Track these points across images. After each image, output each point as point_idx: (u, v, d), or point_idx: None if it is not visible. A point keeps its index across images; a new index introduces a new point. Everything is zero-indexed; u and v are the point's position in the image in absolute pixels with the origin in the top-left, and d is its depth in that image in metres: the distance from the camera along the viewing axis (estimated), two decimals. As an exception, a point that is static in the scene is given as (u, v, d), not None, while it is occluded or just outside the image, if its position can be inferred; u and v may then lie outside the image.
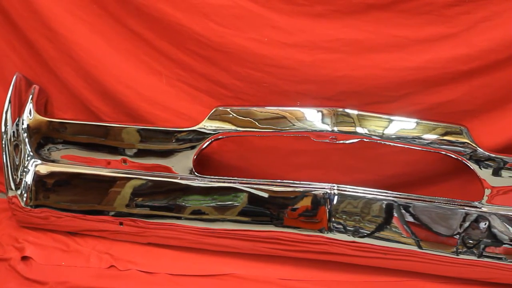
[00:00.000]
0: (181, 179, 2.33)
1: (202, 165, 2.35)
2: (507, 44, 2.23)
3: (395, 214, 2.24)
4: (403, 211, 2.23)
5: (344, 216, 2.25)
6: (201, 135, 2.29)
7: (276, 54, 2.32)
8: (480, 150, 2.17)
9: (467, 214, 2.21)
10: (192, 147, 2.30)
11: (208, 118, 2.28)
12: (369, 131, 2.21)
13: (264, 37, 2.31)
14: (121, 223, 2.37)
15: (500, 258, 2.21)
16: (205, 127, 2.28)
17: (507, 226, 2.20)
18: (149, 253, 2.38)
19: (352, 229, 2.25)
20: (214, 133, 2.28)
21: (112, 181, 2.37)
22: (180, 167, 2.32)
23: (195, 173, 2.32)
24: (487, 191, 2.21)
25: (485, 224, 2.20)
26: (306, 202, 2.28)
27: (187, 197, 2.33)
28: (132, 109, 2.45)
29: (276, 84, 2.35)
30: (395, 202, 2.24)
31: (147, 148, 2.34)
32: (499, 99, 2.30)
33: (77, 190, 2.40)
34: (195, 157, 2.30)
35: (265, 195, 2.30)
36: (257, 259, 2.35)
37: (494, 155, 2.19)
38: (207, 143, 2.29)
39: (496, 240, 2.21)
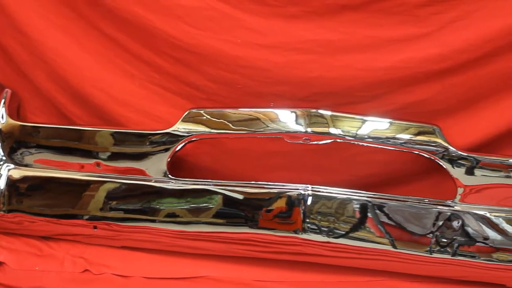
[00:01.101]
0: (155, 182, 2.32)
1: (176, 168, 2.34)
2: (479, 43, 2.24)
3: (369, 214, 2.25)
4: (377, 211, 2.24)
5: (318, 217, 2.25)
6: (174, 138, 2.28)
7: (250, 55, 2.31)
8: (452, 149, 2.18)
9: (440, 213, 2.22)
10: (166, 150, 2.29)
11: (182, 121, 2.27)
12: (342, 131, 2.21)
13: (237, 39, 2.30)
14: (95, 227, 2.35)
15: (473, 257, 2.23)
16: (179, 130, 2.27)
17: (480, 224, 2.21)
18: (123, 256, 2.37)
19: (326, 229, 2.26)
20: (188, 135, 2.27)
21: (85, 184, 2.36)
22: (154, 170, 2.31)
23: (169, 175, 2.31)
24: (460, 190, 2.22)
25: (458, 222, 2.22)
26: (281, 203, 2.27)
27: (162, 200, 2.32)
28: (105, 112, 2.43)
29: (250, 86, 2.34)
30: (369, 202, 2.25)
31: (121, 151, 2.32)
32: (472, 98, 2.32)
33: (51, 194, 2.38)
34: (169, 159, 2.29)
35: (240, 197, 2.30)
36: (232, 261, 2.35)
37: (466, 154, 2.20)
38: (181, 145, 2.28)
39: (469, 239, 2.23)
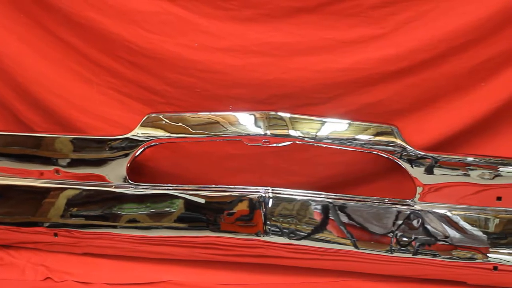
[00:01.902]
0: (115, 187, 2.32)
1: (136, 173, 2.33)
2: (434, 43, 2.26)
3: (331, 215, 2.26)
4: (338, 211, 2.25)
5: (280, 219, 2.25)
6: (134, 143, 2.27)
7: (207, 59, 2.31)
8: (410, 148, 2.19)
9: (399, 212, 2.24)
10: (126, 155, 2.29)
11: (141, 125, 2.27)
12: (302, 133, 2.22)
13: (194, 42, 2.30)
14: (56, 234, 2.35)
15: (434, 255, 2.24)
16: (138, 135, 2.26)
17: (440, 223, 2.22)
18: (85, 263, 2.36)
19: (288, 231, 2.26)
20: (147, 140, 2.26)
21: (45, 192, 2.35)
22: (114, 175, 2.31)
23: (129, 181, 2.31)
24: (419, 189, 2.23)
25: (418, 221, 2.23)
26: (242, 206, 2.28)
27: (122, 206, 2.32)
28: (64, 119, 2.42)
29: (208, 89, 2.34)
30: (330, 203, 2.26)
31: (80, 158, 2.32)
32: (428, 98, 2.34)
33: (10, 203, 2.37)
34: (128, 165, 2.29)
35: (201, 200, 2.30)
36: (194, 265, 2.35)
37: (424, 153, 2.21)
38: (140, 150, 2.28)
39: (429, 237, 2.24)
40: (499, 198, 2.21)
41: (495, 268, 2.22)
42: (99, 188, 2.33)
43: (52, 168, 2.33)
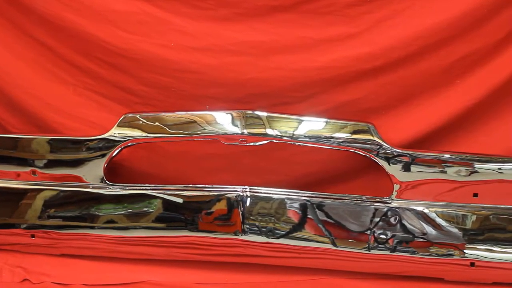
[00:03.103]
0: (92, 188, 2.31)
1: (114, 173, 2.33)
2: (409, 41, 2.27)
3: (308, 214, 2.27)
4: (316, 210, 2.26)
5: (258, 218, 2.26)
6: (110, 143, 2.27)
7: (183, 58, 2.31)
8: (387, 146, 2.20)
9: (377, 210, 2.25)
10: (102, 155, 2.28)
11: (117, 126, 2.26)
12: (279, 132, 2.22)
13: (170, 42, 2.30)
14: (33, 236, 2.34)
15: (411, 252, 2.25)
16: (115, 135, 2.26)
17: (417, 220, 2.23)
18: (63, 264, 2.35)
19: (266, 230, 2.26)
20: (124, 140, 2.26)
21: (22, 193, 2.34)
22: (91, 176, 2.30)
23: (107, 181, 2.30)
24: (396, 187, 2.24)
25: (395, 219, 2.23)
26: (220, 206, 2.28)
27: (100, 206, 2.31)
28: (40, 120, 2.41)
29: (185, 89, 2.35)
30: (308, 201, 2.26)
31: (57, 159, 2.31)
32: (404, 96, 2.35)
33: (-13, 204, 2.34)
34: (105, 165, 2.28)
35: (179, 200, 2.30)
36: (173, 265, 2.35)
37: (401, 151, 2.22)
38: (117, 150, 2.27)
39: (407, 234, 2.25)
40: (475, 195, 2.22)
41: (472, 264, 2.23)
42: (76, 189, 2.32)
43: (28, 169, 2.32)
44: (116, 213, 2.30)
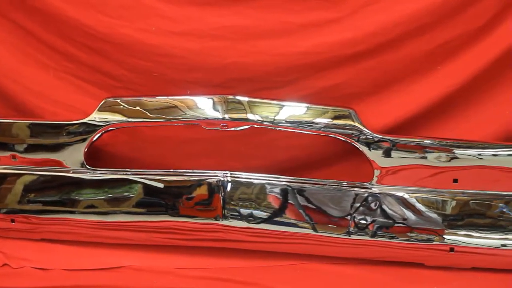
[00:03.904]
0: (73, 172, 2.31)
1: (94, 158, 2.32)
2: (390, 27, 2.27)
3: (289, 199, 2.27)
4: (296, 195, 2.26)
5: (239, 203, 2.26)
6: (91, 128, 2.26)
7: (164, 43, 2.31)
8: (367, 132, 2.20)
9: (357, 195, 2.25)
10: (83, 140, 2.27)
11: (98, 110, 2.25)
12: (260, 117, 2.22)
13: (151, 27, 2.29)
14: (12, 220, 2.33)
15: (392, 237, 2.26)
16: (95, 119, 2.25)
17: (398, 205, 2.24)
18: (43, 249, 2.35)
19: (247, 215, 2.26)
20: (105, 124, 2.25)
21: (2, 178, 2.34)
22: (72, 160, 2.30)
23: (87, 166, 2.29)
24: (377, 172, 2.24)
25: (376, 204, 2.24)
26: (200, 191, 2.28)
27: (80, 191, 2.31)
28: (20, 104, 2.40)
29: (166, 73, 2.34)
30: (289, 186, 2.27)
31: (37, 143, 2.30)
32: (385, 81, 2.35)
33: (-34, 189, 2.33)
34: (86, 150, 2.28)
35: (160, 185, 2.29)
36: (153, 250, 2.35)
37: (381, 136, 2.22)
38: (98, 135, 2.27)
39: (387, 220, 2.26)
40: (455, 180, 2.23)
41: (451, 249, 2.24)
42: (57, 174, 2.31)
43: (8, 153, 2.31)
44: (97, 197, 2.30)
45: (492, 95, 2.34)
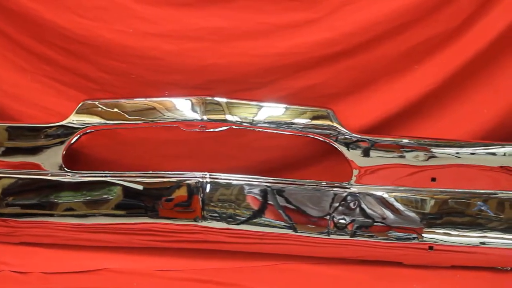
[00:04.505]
0: (51, 175, 2.30)
1: (73, 161, 2.31)
2: (368, 27, 2.28)
3: (269, 199, 2.27)
4: (276, 195, 2.27)
5: (218, 204, 2.26)
6: (69, 130, 2.25)
7: (142, 45, 2.30)
8: (346, 131, 2.21)
9: (336, 195, 2.25)
10: (61, 143, 2.26)
11: (76, 112, 2.24)
12: (239, 118, 2.23)
13: (129, 28, 2.29)
14: (-9, 224, 2.30)
15: (371, 236, 2.26)
16: (73, 122, 2.24)
17: (376, 204, 2.25)
18: (21, 252, 2.33)
19: (226, 216, 2.27)
20: (82, 127, 2.24)
21: (-21, 181, 2.29)
22: (50, 163, 2.28)
23: (65, 169, 2.28)
24: (355, 172, 2.25)
25: (355, 204, 2.25)
26: (180, 192, 2.28)
27: (59, 194, 2.30)
28: (-3, 107, 2.37)
29: (144, 75, 2.33)
30: (268, 187, 2.27)
31: (15, 146, 2.29)
32: (363, 81, 2.36)
33: None
34: (64, 152, 2.27)
35: (139, 187, 2.29)
36: (133, 252, 2.34)
37: (360, 136, 2.23)
38: (76, 137, 2.26)
39: (366, 219, 2.27)
40: (433, 179, 2.24)
41: (430, 248, 2.26)
42: (35, 177, 2.30)
43: (-15, 157, 2.28)
44: (75, 200, 2.29)
45: (469, 94, 2.35)
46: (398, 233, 2.27)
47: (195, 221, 2.26)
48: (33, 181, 2.30)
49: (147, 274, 2.28)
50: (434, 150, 2.22)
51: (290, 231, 2.28)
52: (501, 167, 2.24)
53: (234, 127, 2.23)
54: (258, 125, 2.23)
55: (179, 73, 2.32)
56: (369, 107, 2.35)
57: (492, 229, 2.26)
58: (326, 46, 2.29)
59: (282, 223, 2.28)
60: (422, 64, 2.32)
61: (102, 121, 2.24)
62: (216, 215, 2.27)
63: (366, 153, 2.23)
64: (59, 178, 2.30)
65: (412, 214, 2.25)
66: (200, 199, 2.25)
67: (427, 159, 2.22)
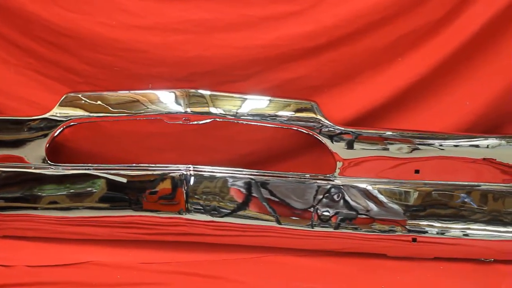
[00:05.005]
0: (35, 168, 2.29)
1: (56, 154, 2.31)
2: (352, 19, 2.29)
3: (253, 192, 2.27)
4: (260, 188, 2.27)
5: (202, 197, 2.26)
6: (52, 123, 2.25)
7: (127, 37, 2.30)
8: (330, 124, 2.22)
9: (320, 187, 2.25)
10: (44, 136, 2.26)
11: (59, 105, 2.24)
12: (222, 110, 2.23)
13: (113, 21, 2.29)
14: (-26, 218, 2.29)
15: (355, 228, 2.27)
16: (56, 115, 2.24)
17: (360, 196, 2.25)
18: (5, 246, 2.33)
19: (210, 208, 2.26)
20: (66, 120, 2.24)
21: (-37, 175, 2.29)
22: (33, 156, 2.28)
23: (49, 161, 2.28)
24: (339, 164, 2.26)
25: (338, 196, 2.25)
26: (164, 185, 2.28)
27: (42, 187, 2.29)
28: (-20, 101, 2.37)
29: (128, 68, 2.33)
30: (252, 179, 2.27)
31: (-2, 139, 2.26)
32: (347, 74, 2.37)
33: None
34: (47, 145, 2.26)
35: (123, 180, 2.29)
36: (117, 245, 2.34)
37: (343, 129, 2.23)
38: (59, 130, 2.25)
39: (350, 211, 2.27)
40: (417, 171, 2.25)
41: (414, 240, 2.26)
42: (18, 170, 2.30)
43: (-32, 150, 2.27)
44: (59, 193, 2.28)
45: (452, 86, 2.36)
46: (382, 225, 2.27)
47: (179, 214, 2.26)
48: (16, 174, 2.30)
49: (131, 267, 2.27)
50: (417, 142, 2.22)
51: (274, 224, 2.27)
52: (484, 159, 2.24)
53: (217, 119, 2.23)
54: (242, 117, 2.23)
55: (163, 66, 2.32)
56: (353, 100, 2.35)
57: (475, 221, 2.26)
58: (309, 38, 2.30)
59: (266, 216, 2.28)
60: (406, 57, 2.33)
61: (86, 113, 2.24)
62: (200, 207, 2.26)
63: (349, 146, 2.23)
64: (42, 171, 2.29)
65: (396, 206, 2.25)
66: (184, 191, 2.25)
67: (411, 151, 2.23)
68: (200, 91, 2.22)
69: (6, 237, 2.35)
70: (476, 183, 2.26)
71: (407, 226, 2.26)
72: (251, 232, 2.28)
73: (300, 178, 2.27)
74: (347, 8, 2.27)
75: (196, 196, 2.26)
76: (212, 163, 2.30)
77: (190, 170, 2.26)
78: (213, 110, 2.21)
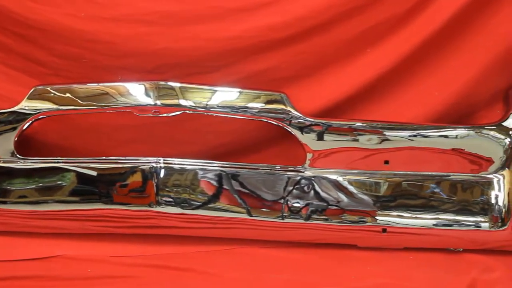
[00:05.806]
0: (3, 162, 2.28)
1: (25, 147, 2.29)
2: (321, 10, 2.29)
3: (223, 184, 2.27)
4: (230, 180, 2.27)
5: (173, 189, 2.25)
6: (21, 116, 2.23)
7: (95, 29, 2.28)
8: (299, 115, 2.22)
9: (290, 178, 2.25)
10: (13, 129, 2.25)
11: (28, 98, 2.23)
12: (192, 102, 2.23)
13: (81, 12, 2.27)
14: None
15: (325, 220, 2.27)
16: (25, 108, 2.22)
17: (330, 187, 2.26)
18: (-26, 240, 2.28)
19: (180, 201, 2.26)
20: (35, 113, 2.23)
21: None
22: (1, 150, 2.27)
23: (18, 155, 2.26)
24: (309, 155, 2.26)
25: (308, 187, 2.25)
26: (134, 178, 2.27)
27: (11, 181, 2.28)
28: None
29: (96, 60, 2.32)
30: (223, 171, 2.27)
31: (-34, 133, 2.24)
32: (316, 65, 2.36)
33: None
34: (16, 139, 2.25)
35: (92, 173, 2.28)
36: (87, 239, 2.33)
37: (313, 120, 2.23)
38: (28, 124, 2.24)
39: (320, 202, 2.28)
40: (386, 162, 2.26)
41: (384, 230, 2.27)
42: (-14, 164, 2.25)
43: None
44: (28, 187, 2.27)
45: (421, 77, 2.36)
46: (352, 216, 2.28)
47: (150, 207, 2.25)
48: (-16, 168, 2.26)
49: (101, 260, 2.26)
50: (387, 133, 2.24)
51: (244, 215, 2.28)
52: (453, 149, 2.26)
53: (187, 111, 2.22)
54: (212, 109, 2.23)
55: (132, 57, 2.31)
56: (322, 91, 2.35)
57: (444, 211, 2.27)
58: (278, 30, 2.29)
59: (237, 208, 2.28)
60: (374, 48, 2.33)
61: (55, 106, 2.22)
62: (171, 200, 2.26)
63: (319, 137, 2.24)
64: (11, 165, 2.28)
65: (366, 197, 2.27)
66: (154, 184, 2.25)
67: (380, 142, 2.24)
68: (170, 83, 2.22)
69: (-25, 232, 2.31)
70: (445, 174, 2.27)
71: (377, 217, 2.27)
72: (222, 224, 2.28)
73: (271, 169, 2.27)
74: (315, -1, 2.25)
75: (166, 189, 2.25)
76: (183, 155, 2.30)
77: (160, 162, 2.26)
78: (183, 102, 2.21)
